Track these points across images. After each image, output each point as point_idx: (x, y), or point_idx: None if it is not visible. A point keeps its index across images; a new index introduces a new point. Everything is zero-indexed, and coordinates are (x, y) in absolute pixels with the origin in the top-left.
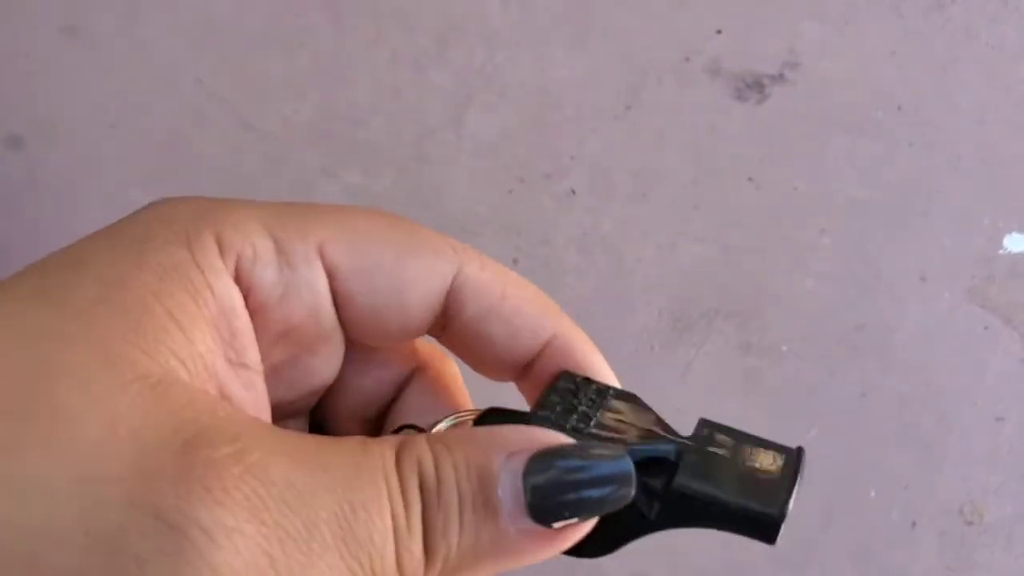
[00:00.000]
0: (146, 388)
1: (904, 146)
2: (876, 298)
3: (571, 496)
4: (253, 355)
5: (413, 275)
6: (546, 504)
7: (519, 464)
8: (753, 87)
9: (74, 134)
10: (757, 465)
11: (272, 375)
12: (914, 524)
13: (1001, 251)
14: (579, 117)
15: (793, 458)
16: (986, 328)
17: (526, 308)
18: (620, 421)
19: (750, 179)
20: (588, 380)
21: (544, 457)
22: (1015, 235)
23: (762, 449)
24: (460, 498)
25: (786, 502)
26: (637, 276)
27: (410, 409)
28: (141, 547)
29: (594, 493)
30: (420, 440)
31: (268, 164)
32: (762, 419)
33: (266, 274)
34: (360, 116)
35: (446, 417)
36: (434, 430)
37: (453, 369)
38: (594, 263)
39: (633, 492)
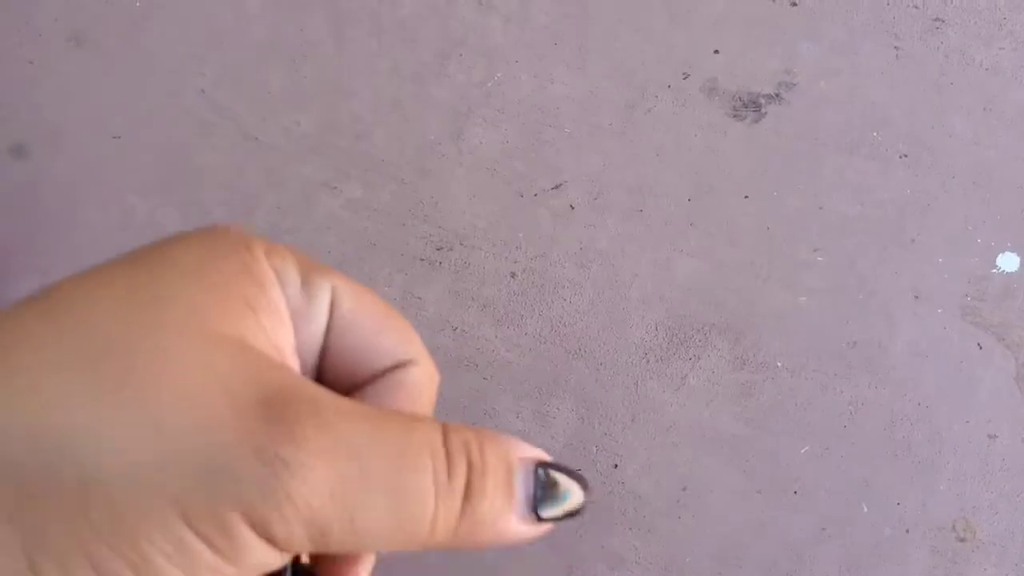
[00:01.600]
0: (235, 347)
1: (898, 166)
2: (869, 315)
3: (559, 494)
4: (291, 353)
5: (390, 337)
6: (540, 500)
7: (530, 465)
8: (749, 106)
9: (78, 143)
10: None
11: None
12: (906, 540)
13: (994, 270)
14: (578, 133)
15: None
16: (979, 346)
17: (392, 316)
18: None
19: (746, 196)
20: None
21: (543, 467)
22: (1008, 254)
23: None
24: (494, 481)
25: None
26: (633, 291)
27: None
28: (242, 474)
29: (573, 496)
30: (464, 427)
31: (269, 176)
32: (755, 434)
33: (292, 293)
34: (361, 129)
35: None
36: None
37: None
38: (591, 277)
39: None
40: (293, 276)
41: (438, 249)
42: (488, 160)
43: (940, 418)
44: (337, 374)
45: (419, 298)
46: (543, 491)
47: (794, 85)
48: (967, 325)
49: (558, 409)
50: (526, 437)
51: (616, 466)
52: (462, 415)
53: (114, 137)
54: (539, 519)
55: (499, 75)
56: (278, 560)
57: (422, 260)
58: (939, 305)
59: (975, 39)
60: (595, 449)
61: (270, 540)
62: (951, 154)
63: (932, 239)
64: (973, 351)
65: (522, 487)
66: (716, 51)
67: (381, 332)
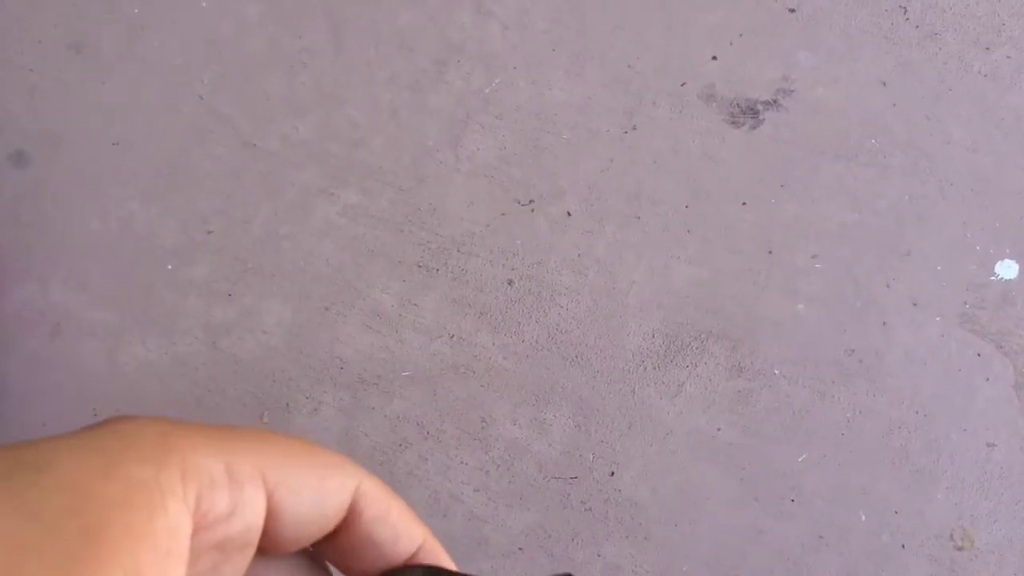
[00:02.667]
0: None
1: (896, 173)
2: (867, 323)
3: None
4: (180, 572)
5: (332, 489)
6: None
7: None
8: (747, 113)
9: (77, 150)
10: None
11: None
12: (904, 548)
13: (992, 278)
14: (575, 140)
15: None
16: (977, 354)
17: (405, 516)
18: None
19: (743, 203)
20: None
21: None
22: (1007, 262)
23: None
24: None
25: None
26: (631, 298)
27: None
28: None
29: None
30: None
31: (267, 182)
32: (752, 442)
33: (220, 498)
34: (359, 136)
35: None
36: None
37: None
38: (588, 284)
39: None
40: (220, 479)
41: (435, 256)
42: (486, 167)
43: (938, 426)
44: (291, 530)
45: (416, 305)
46: None
47: (792, 92)
48: (965, 333)
49: (555, 416)
50: (523, 444)
51: (612, 473)
52: (459, 422)
53: (113, 144)
54: None
55: (497, 82)
56: None
57: (419, 267)
58: (937, 313)
59: (973, 45)
60: (592, 456)
61: None
62: (949, 161)
63: (930, 246)
64: (971, 359)
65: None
66: (714, 57)
67: (399, 540)
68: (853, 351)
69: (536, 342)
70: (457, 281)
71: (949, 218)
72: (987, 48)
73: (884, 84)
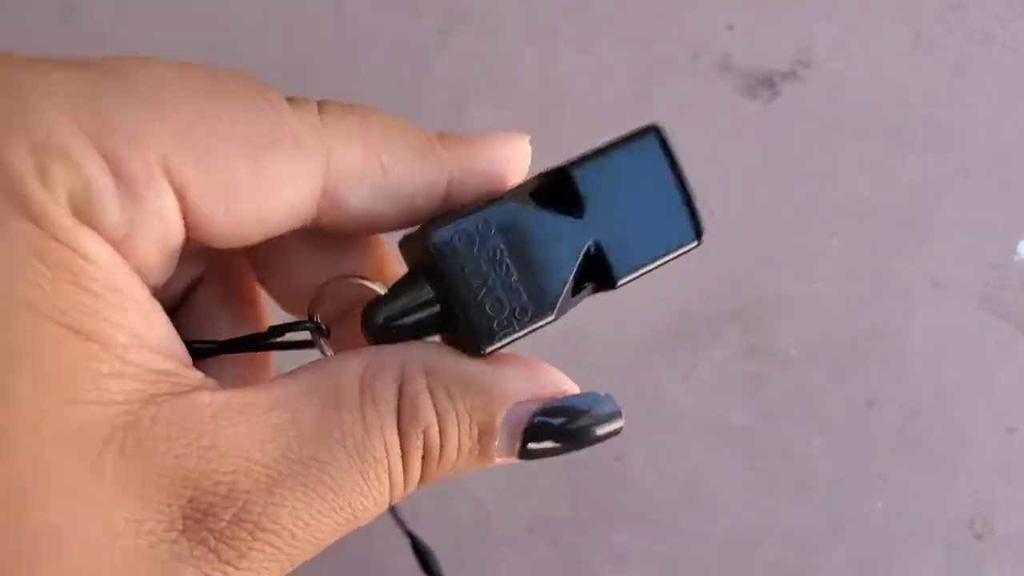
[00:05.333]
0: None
1: (917, 149)
2: (886, 303)
3: (560, 444)
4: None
5: (276, 184)
6: (536, 454)
7: (521, 419)
8: (764, 84)
9: None
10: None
11: None
12: (922, 536)
13: (1015, 257)
14: (585, 112)
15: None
16: (998, 336)
17: (409, 169)
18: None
19: (759, 178)
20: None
21: (545, 418)
22: None
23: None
24: (459, 452)
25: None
26: (642, 277)
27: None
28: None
29: (585, 434)
30: (425, 402)
31: None
32: (766, 426)
33: (108, 216)
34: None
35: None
36: (318, 316)
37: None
38: None
39: (621, 427)
40: (104, 186)
41: None
42: None
43: (958, 411)
44: (228, 240)
45: None
46: (542, 449)
47: (810, 64)
48: (986, 314)
49: None
50: None
51: (619, 458)
52: None
53: None
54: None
55: (503, 51)
56: None
57: None
58: (958, 293)
59: (997, 18)
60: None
61: None
62: (971, 137)
63: (951, 225)
64: (993, 341)
65: (505, 446)
66: (730, 27)
67: (416, 196)
68: (871, 332)
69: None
70: None
71: (971, 196)
72: (1012, 20)
73: (905, 57)
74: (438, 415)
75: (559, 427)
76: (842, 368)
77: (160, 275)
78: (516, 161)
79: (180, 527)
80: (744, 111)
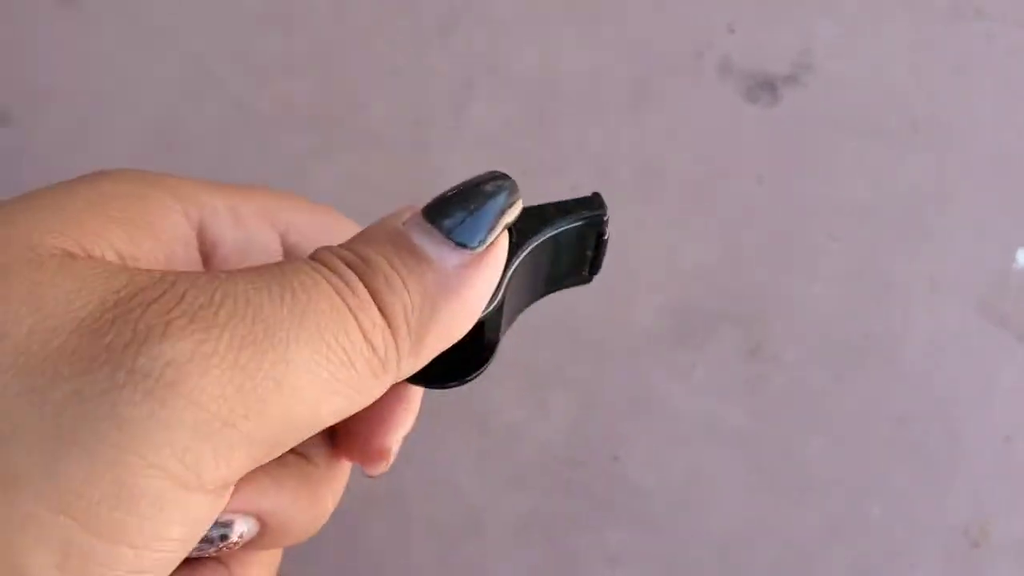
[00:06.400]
0: (66, 260)
1: (918, 152)
2: (885, 306)
3: (474, 206)
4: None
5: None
6: (458, 225)
7: (418, 216)
8: (765, 88)
9: (64, 108)
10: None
11: None
12: (918, 542)
13: (1015, 265)
14: (584, 110)
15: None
16: (997, 343)
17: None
18: None
19: (759, 180)
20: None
21: (435, 203)
22: None
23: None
24: (386, 259)
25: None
26: (640, 276)
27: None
28: (118, 404)
29: (491, 193)
30: (325, 247)
31: (261, 146)
32: (764, 428)
33: (225, 226)
34: (358, 100)
35: None
36: None
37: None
38: None
39: (517, 190)
40: (225, 214)
41: None
42: (489, 135)
43: (956, 416)
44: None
45: None
46: (452, 215)
47: (811, 66)
48: (985, 320)
49: (558, 399)
50: (525, 426)
51: (617, 458)
52: (458, 404)
53: (101, 103)
54: (475, 244)
55: (503, 47)
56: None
57: None
58: (957, 298)
59: (1000, 21)
60: (597, 441)
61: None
62: (974, 140)
63: (952, 229)
64: (991, 348)
65: (423, 237)
66: (731, 29)
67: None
68: (870, 335)
69: (540, 320)
70: None
71: (972, 200)
72: (1014, 23)
73: (908, 59)
74: (346, 246)
75: (451, 196)
76: (841, 370)
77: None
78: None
79: (112, 306)
80: (744, 114)
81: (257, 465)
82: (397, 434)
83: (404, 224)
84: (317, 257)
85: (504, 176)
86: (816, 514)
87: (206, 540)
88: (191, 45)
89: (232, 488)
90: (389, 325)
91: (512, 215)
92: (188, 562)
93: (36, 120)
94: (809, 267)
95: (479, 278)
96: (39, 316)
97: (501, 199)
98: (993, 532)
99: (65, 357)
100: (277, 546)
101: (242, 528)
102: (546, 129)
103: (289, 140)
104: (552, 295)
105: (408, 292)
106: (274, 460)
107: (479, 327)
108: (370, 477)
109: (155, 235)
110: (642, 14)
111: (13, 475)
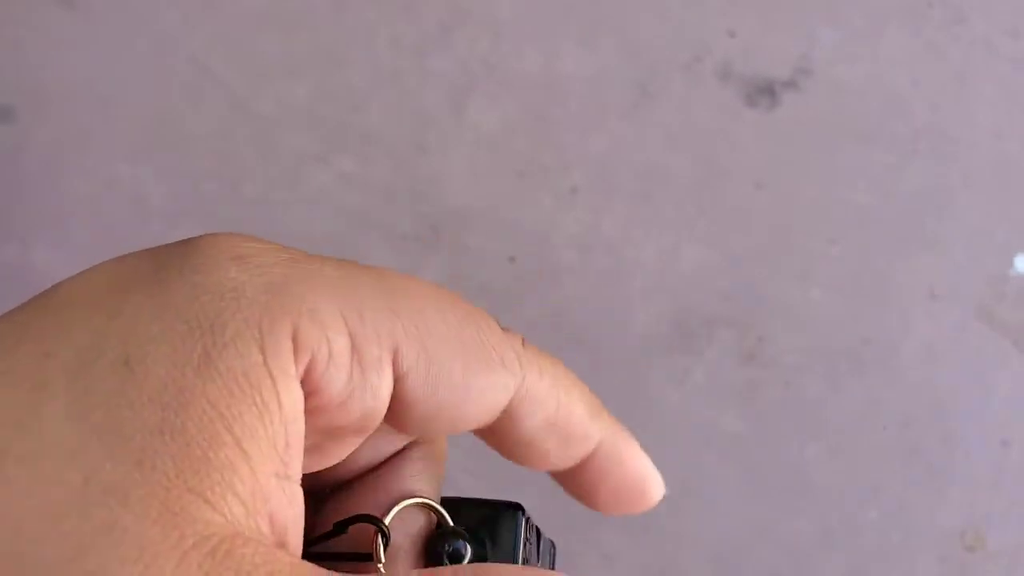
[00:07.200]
0: (207, 557)
1: (918, 158)
2: (884, 312)
3: None
4: (298, 465)
5: (478, 390)
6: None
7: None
8: (764, 93)
9: (65, 107)
10: None
11: None
12: (913, 547)
13: (1012, 272)
14: (584, 113)
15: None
16: (995, 349)
17: (577, 415)
18: None
19: (758, 185)
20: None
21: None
22: None
23: None
24: None
25: None
26: (637, 279)
27: (403, 479)
28: None
29: None
30: None
31: (259, 146)
32: (760, 433)
33: (338, 378)
34: (357, 101)
35: (398, 504)
36: (388, 519)
37: (443, 444)
38: (593, 264)
39: None
40: (341, 356)
41: (434, 229)
42: (489, 137)
43: (953, 422)
44: (418, 426)
45: None
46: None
47: (811, 71)
48: (983, 327)
49: None
50: None
51: None
52: None
53: (102, 102)
54: None
55: (504, 49)
56: None
57: (417, 240)
58: (955, 304)
59: (1001, 29)
60: None
61: None
62: (973, 147)
63: (950, 235)
64: (989, 354)
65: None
66: (731, 34)
67: (568, 446)
68: (869, 341)
69: (537, 322)
70: (456, 256)
71: (971, 206)
72: (1015, 33)
73: (908, 66)
74: None
75: None
76: (838, 376)
77: (351, 441)
78: (647, 489)
79: None
80: (744, 118)
81: None
82: None
83: None
84: None
85: None
86: (812, 519)
87: None
88: (191, 45)
89: None
90: None
91: None
92: None
93: (38, 118)
94: (807, 272)
95: None
96: None
97: None
98: (989, 537)
99: None
100: None
101: None
102: (546, 131)
103: (288, 140)
104: (549, 291)
105: None
106: None
107: None
108: None
109: (273, 448)
110: (643, 17)
111: None
